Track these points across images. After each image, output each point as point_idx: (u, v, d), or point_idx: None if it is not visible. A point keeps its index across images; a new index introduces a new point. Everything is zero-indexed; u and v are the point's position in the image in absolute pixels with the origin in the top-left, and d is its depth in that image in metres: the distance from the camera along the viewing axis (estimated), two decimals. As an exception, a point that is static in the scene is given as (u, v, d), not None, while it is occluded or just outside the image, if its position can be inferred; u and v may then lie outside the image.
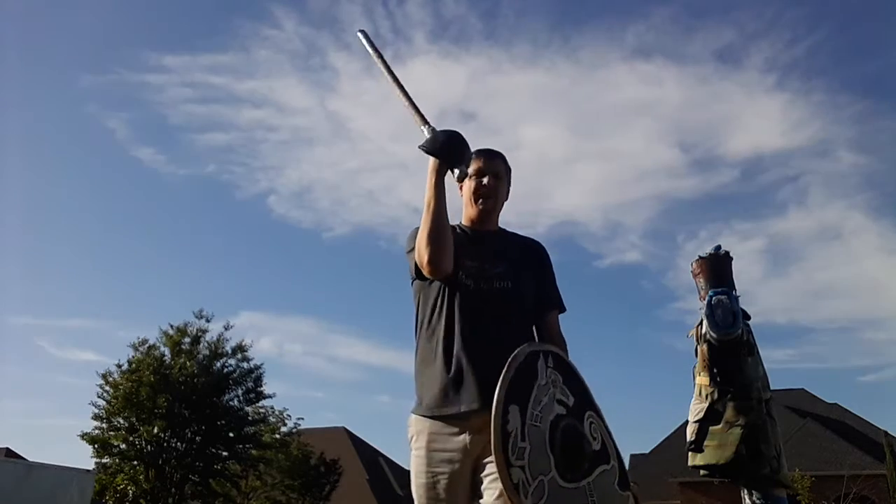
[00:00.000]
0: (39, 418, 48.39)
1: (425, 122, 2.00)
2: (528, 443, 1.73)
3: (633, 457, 31.43)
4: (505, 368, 1.79)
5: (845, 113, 47.40)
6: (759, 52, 45.14)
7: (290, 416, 24.62)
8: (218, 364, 21.36)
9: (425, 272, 1.95)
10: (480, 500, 1.86)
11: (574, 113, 49.90)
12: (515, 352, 1.83)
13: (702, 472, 3.74)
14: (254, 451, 22.36)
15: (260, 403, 22.34)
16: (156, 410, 19.50)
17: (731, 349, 3.67)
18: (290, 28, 48.19)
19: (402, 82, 2.10)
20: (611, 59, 46.27)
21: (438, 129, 1.95)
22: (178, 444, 20.39)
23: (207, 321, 21.48)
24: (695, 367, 3.84)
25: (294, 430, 25.22)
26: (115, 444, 19.87)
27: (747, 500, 3.62)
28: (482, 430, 1.89)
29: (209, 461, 20.92)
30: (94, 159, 49.82)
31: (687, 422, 3.81)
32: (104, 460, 20.17)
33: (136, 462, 20.01)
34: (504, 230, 2.19)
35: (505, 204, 2.19)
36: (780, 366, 41.69)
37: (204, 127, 49.55)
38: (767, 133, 45.10)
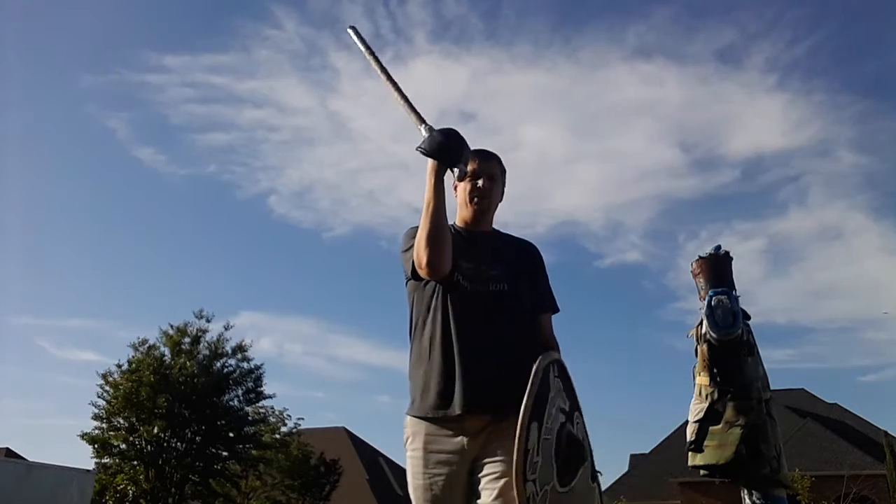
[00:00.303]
0: (39, 418, 48.40)
1: (422, 121, 1.96)
2: (541, 456, 1.78)
3: (632, 457, 31.44)
4: (529, 386, 1.81)
5: (846, 113, 47.44)
6: (759, 53, 45.15)
7: (290, 416, 24.68)
8: (218, 364, 21.37)
9: (422, 273, 1.94)
10: (478, 501, 1.86)
11: (575, 113, 49.93)
12: (535, 367, 1.85)
13: (702, 472, 3.74)
14: (254, 451, 22.37)
15: (260, 403, 22.37)
16: (156, 410, 19.51)
17: (731, 349, 3.67)
18: (290, 28, 48.19)
19: (398, 81, 2.06)
20: (611, 60, 46.28)
21: (437, 128, 1.93)
22: (178, 444, 20.40)
23: (207, 321, 21.52)
24: (695, 367, 3.85)
25: (294, 430, 25.23)
26: (115, 444, 19.88)
27: (747, 500, 3.62)
28: (479, 432, 1.92)
29: (209, 461, 20.93)
30: (95, 159, 49.84)
31: (687, 422, 3.81)
32: (104, 460, 20.19)
33: (136, 462, 20.02)
34: (498, 231, 2.19)
35: (504, 204, 2.20)
36: (780, 366, 41.74)
37: (204, 127, 49.58)
38: (768, 133, 45.13)
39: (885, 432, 21.88)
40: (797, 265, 47.27)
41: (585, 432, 1.96)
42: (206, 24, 54.79)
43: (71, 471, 17.33)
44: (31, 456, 29.74)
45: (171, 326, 21.26)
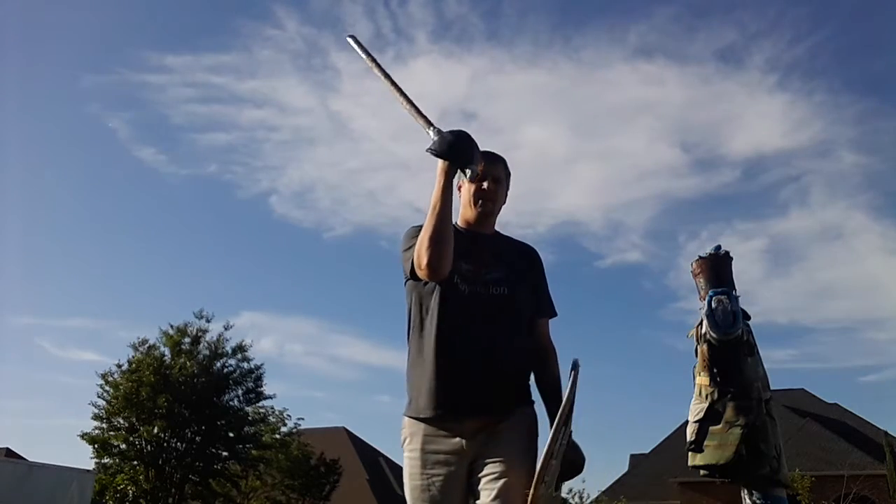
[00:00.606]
0: (39, 418, 48.36)
1: (430, 124, 1.95)
2: (556, 460, 1.84)
3: (632, 457, 31.45)
4: (567, 392, 1.87)
5: (847, 113, 47.41)
6: (760, 52, 45.10)
7: (290, 416, 24.68)
8: (218, 364, 21.38)
9: (421, 274, 1.93)
10: (477, 502, 1.87)
11: (575, 113, 49.87)
12: (573, 376, 1.90)
13: (702, 472, 3.74)
14: (254, 451, 22.38)
15: (260, 404, 22.38)
16: (156, 410, 19.52)
17: (731, 349, 3.68)
18: (291, 28, 48.14)
19: (401, 86, 2.05)
20: (612, 59, 46.22)
21: (444, 129, 1.92)
22: (178, 444, 20.42)
23: (207, 321, 21.55)
24: (695, 367, 3.85)
25: (294, 430, 25.24)
26: (115, 444, 19.90)
27: (747, 500, 3.63)
28: (477, 433, 1.93)
29: (209, 461, 20.94)
30: (95, 159, 49.77)
31: (687, 422, 3.81)
32: (104, 460, 20.21)
33: (136, 462, 20.03)
34: (500, 234, 2.19)
35: (505, 204, 2.19)
36: (781, 366, 41.66)
37: (205, 127, 49.58)
38: (769, 133, 45.08)
39: (885, 432, 21.89)
40: (798, 265, 47.27)
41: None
42: (208, 23, 54.77)
43: (71, 471, 17.34)
44: (31, 456, 29.73)
45: (172, 326, 21.31)
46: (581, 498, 27.64)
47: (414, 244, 1.95)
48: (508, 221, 2.21)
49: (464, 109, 43.55)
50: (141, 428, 19.61)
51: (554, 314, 2.17)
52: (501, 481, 1.83)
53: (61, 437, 52.80)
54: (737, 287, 3.87)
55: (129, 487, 19.85)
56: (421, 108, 1.99)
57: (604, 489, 27.33)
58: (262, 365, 22.15)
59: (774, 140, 44.88)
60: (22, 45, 41.67)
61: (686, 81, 45.94)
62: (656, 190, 48.71)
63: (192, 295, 57.47)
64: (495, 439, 1.90)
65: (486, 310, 1.98)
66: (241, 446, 21.62)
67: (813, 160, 45.18)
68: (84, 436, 19.68)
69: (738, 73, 45.11)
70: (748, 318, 3.81)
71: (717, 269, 3.90)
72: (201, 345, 21.32)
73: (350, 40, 2.21)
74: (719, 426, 3.60)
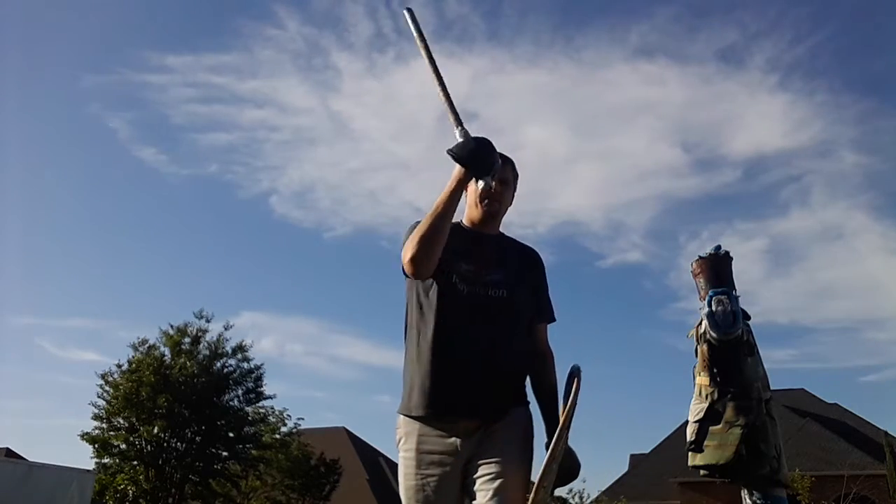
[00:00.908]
0: (39, 418, 48.39)
1: (459, 122, 1.90)
2: (557, 464, 1.85)
3: (632, 457, 31.46)
4: (572, 397, 1.88)
5: (848, 113, 47.38)
6: (761, 52, 45.09)
7: (290, 416, 24.67)
8: (218, 364, 21.38)
9: (405, 267, 1.93)
10: (473, 502, 1.87)
11: (576, 113, 49.86)
12: (576, 381, 1.91)
13: (702, 472, 3.75)
14: (254, 451, 22.38)
15: (260, 404, 22.38)
16: (156, 410, 19.52)
17: (731, 349, 3.68)
18: (292, 28, 48.12)
19: (443, 75, 1.98)
20: (613, 59, 46.22)
21: (470, 133, 1.88)
22: (178, 444, 20.42)
23: (207, 321, 21.55)
24: (695, 367, 3.85)
25: (294, 430, 25.24)
26: (116, 444, 19.89)
27: (747, 500, 3.63)
28: (472, 433, 1.93)
29: (209, 461, 20.94)
30: (96, 159, 49.77)
31: (687, 422, 3.81)
32: (104, 460, 20.21)
33: (136, 462, 20.04)
34: (503, 235, 2.18)
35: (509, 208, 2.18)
36: (781, 366, 41.66)
37: (206, 127, 49.54)
38: (770, 133, 45.06)
39: (885, 432, 21.88)
40: (798, 265, 47.28)
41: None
42: (209, 23, 54.78)
43: (71, 471, 17.34)
44: (31, 456, 29.75)
45: (171, 326, 21.31)
46: (581, 498, 27.71)
47: None
48: (510, 221, 2.20)
49: (465, 109, 43.05)
50: (141, 428, 19.60)
51: (552, 319, 2.16)
52: (498, 482, 1.82)
53: (61, 437, 52.82)
54: (737, 287, 3.87)
55: (129, 487, 19.85)
56: (455, 105, 1.95)
57: (604, 489, 27.36)
58: (262, 365, 22.19)
59: (775, 140, 44.91)
60: (22, 45, 41.69)
61: (687, 81, 45.98)
62: (657, 190, 48.74)
63: (193, 295, 57.47)
64: (491, 440, 1.90)
65: (484, 311, 1.98)
66: (241, 446, 21.62)
67: (814, 160, 45.20)
68: (84, 436, 19.68)
69: (738, 73, 45.14)
70: (748, 318, 3.81)
71: (717, 269, 3.90)
72: (201, 345, 21.33)
73: (406, 14, 2.14)
74: (719, 426, 3.60)
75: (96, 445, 19.72)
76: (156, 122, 46.90)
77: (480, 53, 48.70)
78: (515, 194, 2.20)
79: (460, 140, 1.87)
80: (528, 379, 2.08)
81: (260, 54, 46.34)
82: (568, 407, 1.86)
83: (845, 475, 19.10)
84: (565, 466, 1.88)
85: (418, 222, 1.96)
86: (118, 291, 47.47)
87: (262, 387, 21.95)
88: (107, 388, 20.13)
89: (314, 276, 56.53)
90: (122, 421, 20.04)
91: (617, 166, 50.47)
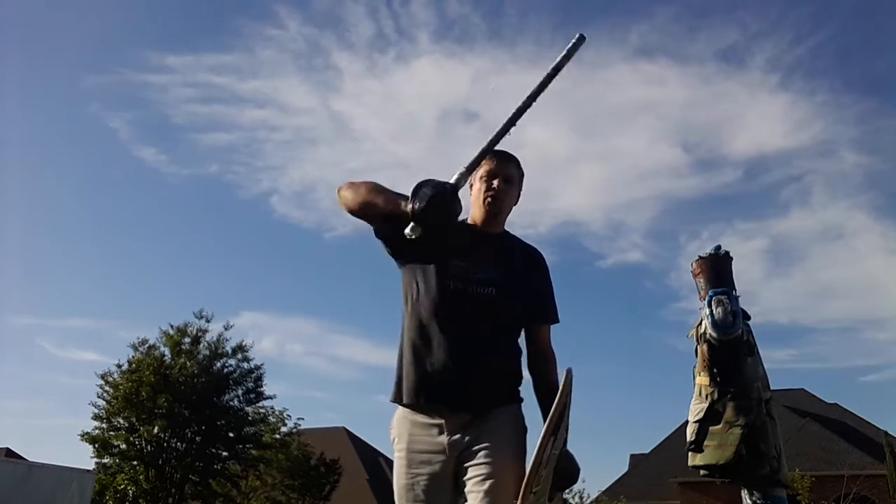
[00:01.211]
0: (39, 418, 48.39)
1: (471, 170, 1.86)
2: (547, 469, 1.81)
3: (632, 457, 31.45)
4: (556, 400, 1.83)
5: (848, 113, 47.41)
6: (762, 52, 45.10)
7: (290, 416, 24.66)
8: (218, 364, 21.38)
9: (344, 200, 1.99)
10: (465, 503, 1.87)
11: (577, 113, 49.79)
12: (563, 383, 1.87)
13: (702, 472, 3.75)
14: (254, 451, 22.37)
15: (260, 404, 22.38)
16: (156, 410, 19.52)
17: (731, 349, 3.68)
18: (293, 28, 48.13)
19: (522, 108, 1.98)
20: (614, 59, 46.15)
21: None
22: (178, 444, 20.42)
23: (207, 321, 21.54)
24: (695, 367, 3.85)
25: (294, 430, 25.23)
26: (116, 444, 19.89)
27: (747, 500, 3.63)
28: (459, 431, 1.92)
29: (209, 461, 20.94)
30: (96, 159, 49.77)
31: (687, 422, 3.81)
32: (104, 460, 20.20)
33: (136, 462, 20.04)
34: (508, 235, 2.16)
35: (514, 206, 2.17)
36: (781, 366, 41.69)
37: (207, 127, 49.56)
38: (770, 133, 45.06)
39: (885, 432, 21.89)
40: (799, 265, 47.29)
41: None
42: (209, 23, 54.81)
43: (71, 471, 17.34)
44: (31, 456, 29.74)
45: (171, 326, 21.30)
46: (581, 498, 27.71)
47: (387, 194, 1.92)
48: (511, 221, 2.18)
49: (465, 109, 43.59)
50: (141, 428, 19.60)
51: (555, 321, 2.14)
52: (488, 483, 1.82)
53: (61, 437, 52.87)
54: (737, 287, 3.88)
55: (129, 487, 19.85)
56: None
57: (604, 489, 27.37)
58: (262, 365, 22.18)
59: (776, 140, 44.92)
60: (23, 44, 41.70)
61: (687, 81, 45.98)
62: (657, 190, 48.73)
63: (193, 295, 57.50)
64: (480, 440, 1.89)
65: (468, 308, 1.97)
66: (241, 446, 21.62)
67: (814, 160, 45.19)
68: (84, 436, 19.68)
69: (739, 73, 45.15)
70: (748, 318, 3.82)
71: (717, 269, 3.90)
72: (201, 345, 21.32)
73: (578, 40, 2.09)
74: (719, 426, 3.60)
75: (96, 445, 19.72)
76: (156, 122, 46.93)
77: (481, 53, 48.76)
78: (521, 193, 2.18)
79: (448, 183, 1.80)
80: (519, 378, 2.06)
81: (260, 54, 46.38)
82: (552, 411, 1.82)
83: (845, 475, 19.10)
84: (561, 468, 1.85)
85: (385, 188, 1.94)
86: (118, 291, 47.51)
87: (262, 387, 21.97)
88: (107, 388, 20.13)
89: (315, 276, 56.58)
90: (122, 421, 20.04)
91: (617, 166, 50.51)
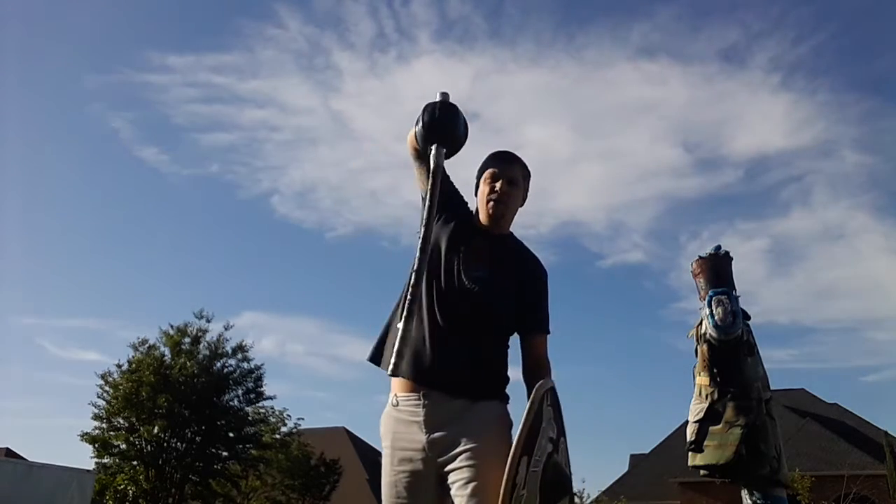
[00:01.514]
0: (39, 418, 48.46)
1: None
2: (527, 490, 1.75)
3: (632, 457, 31.46)
4: (523, 419, 1.79)
5: (850, 113, 47.40)
6: (763, 52, 45.15)
7: (290, 416, 24.67)
8: (218, 364, 21.38)
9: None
10: None
11: (578, 112, 49.87)
12: (531, 399, 1.83)
13: (702, 472, 3.75)
14: (254, 452, 22.38)
15: (260, 404, 22.38)
16: (156, 410, 19.52)
17: (731, 349, 3.68)
18: (294, 28, 48.20)
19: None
20: (615, 59, 46.26)
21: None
22: (178, 444, 20.42)
23: (208, 321, 21.55)
24: (695, 367, 3.85)
25: (294, 430, 25.24)
26: (116, 444, 19.89)
27: (747, 500, 3.63)
28: (438, 429, 1.91)
29: (209, 461, 20.95)
30: (98, 159, 49.90)
31: (687, 422, 3.81)
32: (104, 460, 20.21)
33: (136, 462, 20.05)
34: (511, 237, 2.16)
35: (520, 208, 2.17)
36: (782, 366, 41.69)
37: (207, 127, 49.61)
38: (771, 133, 45.11)
39: (885, 432, 21.90)
40: (800, 265, 47.34)
41: (568, 457, 1.93)
42: (210, 23, 54.83)
43: (71, 471, 17.36)
44: (31, 456, 29.76)
45: (172, 326, 21.30)
46: (581, 498, 27.70)
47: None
48: (513, 222, 2.19)
49: (466, 109, 43.16)
50: (141, 428, 19.60)
51: (547, 331, 2.11)
52: (471, 485, 1.80)
53: (61, 437, 52.93)
54: (737, 287, 3.87)
55: (129, 487, 19.86)
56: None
57: (604, 489, 27.38)
58: (262, 365, 22.19)
59: (777, 140, 44.98)
60: (25, 45, 41.69)
61: (689, 81, 45.99)
62: (658, 190, 48.75)
63: (194, 295, 57.67)
64: (462, 441, 1.87)
65: (453, 307, 1.98)
66: (241, 446, 21.62)
67: (815, 160, 45.21)
68: (84, 436, 19.68)
69: (740, 73, 45.19)
70: (748, 318, 3.81)
71: (717, 269, 3.90)
72: (201, 345, 21.32)
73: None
74: (719, 426, 3.60)
75: (96, 445, 19.72)
76: (157, 122, 47.04)
77: (482, 53, 48.78)
78: (528, 193, 2.18)
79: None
80: (503, 378, 2.05)
81: (261, 54, 46.43)
82: (520, 431, 1.77)
83: (845, 475, 19.10)
84: (548, 483, 1.80)
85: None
86: (119, 291, 47.59)
87: (262, 387, 21.98)
88: (107, 388, 20.14)
89: (315, 276, 56.63)
90: (122, 421, 20.04)
91: (618, 166, 50.52)
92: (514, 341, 2.11)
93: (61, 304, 47.28)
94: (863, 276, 45.85)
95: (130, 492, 19.87)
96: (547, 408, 1.87)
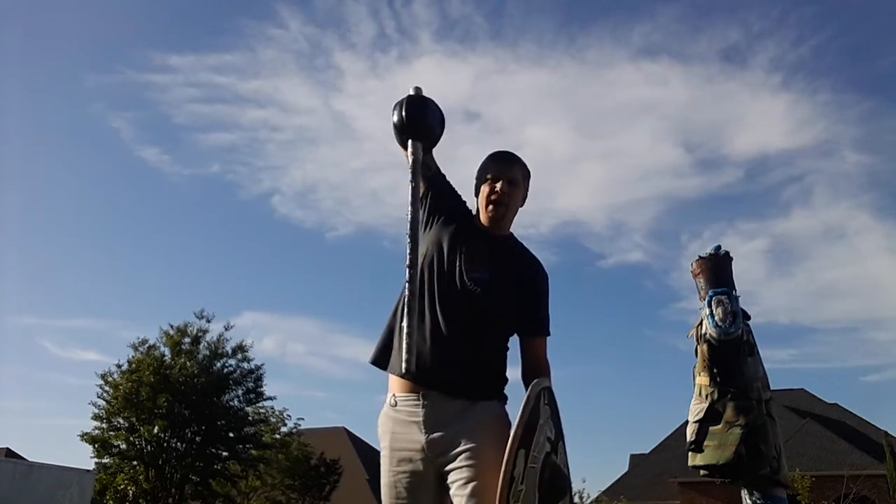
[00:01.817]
0: (39, 418, 48.48)
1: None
2: (525, 485, 1.75)
3: (633, 457, 31.47)
4: (520, 412, 1.79)
5: (850, 112, 47.44)
6: (764, 52, 45.18)
7: (290, 416, 24.66)
8: (218, 364, 21.37)
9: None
10: None
11: (579, 112, 49.93)
12: (527, 394, 1.84)
13: (702, 472, 3.74)
14: (254, 451, 22.36)
15: (260, 404, 22.37)
16: (156, 410, 19.50)
17: (731, 349, 3.68)
18: (295, 28, 48.25)
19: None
20: (616, 59, 46.31)
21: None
22: (178, 444, 20.41)
23: (208, 321, 21.51)
24: (695, 367, 3.85)
25: (294, 430, 25.23)
26: (116, 444, 19.88)
27: (747, 500, 3.63)
28: (437, 429, 1.90)
29: (209, 461, 20.93)
30: (99, 159, 49.97)
31: (687, 422, 3.81)
32: (104, 460, 20.19)
33: (136, 462, 20.03)
34: (512, 238, 2.16)
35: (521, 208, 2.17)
36: (782, 366, 41.69)
37: (208, 127, 49.69)
38: (772, 133, 45.21)
39: (886, 432, 21.91)
40: (800, 265, 47.38)
41: (567, 462, 1.94)
42: (211, 23, 54.84)
43: (71, 471, 17.38)
44: (31, 456, 29.78)
45: (172, 326, 21.27)
46: (581, 498, 27.70)
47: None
48: (514, 221, 2.18)
49: (467, 109, 43.61)
50: (141, 428, 19.60)
51: (547, 333, 2.12)
52: (471, 485, 1.80)
53: (61, 437, 52.92)
54: (737, 287, 3.87)
55: (129, 487, 19.85)
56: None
57: (604, 489, 27.40)
58: (262, 365, 22.14)
59: (778, 140, 45.04)
60: (25, 44, 41.70)
61: (690, 81, 46.00)
62: (659, 190, 48.77)
63: (194, 295, 57.67)
64: (461, 442, 1.87)
65: (455, 302, 1.98)
66: (241, 446, 21.60)
67: (816, 160, 45.24)
68: (84, 436, 19.66)
69: (741, 73, 45.23)
70: (748, 318, 3.81)
71: (717, 269, 3.90)
72: (201, 345, 21.31)
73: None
74: (719, 426, 3.60)
75: (96, 445, 19.70)
76: (158, 121, 47.07)
77: (483, 53, 48.80)
78: (528, 193, 2.18)
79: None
80: (502, 378, 2.05)
81: (262, 54, 46.46)
82: (516, 425, 1.77)
83: (845, 475, 19.12)
84: (546, 482, 1.81)
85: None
86: (119, 291, 47.65)
87: (262, 387, 21.94)
88: (107, 388, 20.11)
89: (316, 276, 56.67)
90: (122, 421, 20.01)
91: (619, 166, 50.55)
92: (514, 342, 2.11)
93: (61, 304, 47.33)
94: (863, 277, 45.91)
95: (130, 492, 19.86)
96: (544, 406, 1.88)
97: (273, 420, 23.91)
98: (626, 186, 49.56)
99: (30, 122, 45.02)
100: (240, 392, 21.65)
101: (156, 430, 19.80)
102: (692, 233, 44.74)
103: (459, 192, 2.19)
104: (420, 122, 1.91)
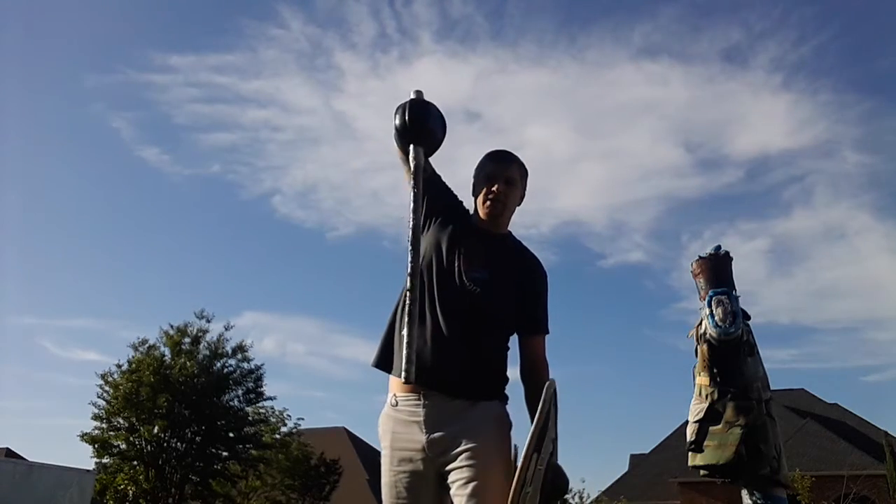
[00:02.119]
0: (39, 418, 48.45)
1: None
2: (532, 487, 1.76)
3: (633, 457, 31.47)
4: (537, 416, 1.80)
5: (851, 113, 47.43)
6: (765, 52, 45.14)
7: (290, 416, 24.65)
8: (218, 364, 21.37)
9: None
10: None
11: (579, 112, 49.91)
12: (543, 397, 1.83)
13: (702, 472, 3.75)
14: (254, 452, 22.36)
15: (260, 404, 22.37)
16: (156, 410, 19.50)
17: (731, 349, 3.68)
18: (296, 28, 48.24)
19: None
20: (617, 59, 46.28)
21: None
22: (178, 444, 20.41)
23: (208, 321, 21.51)
24: (695, 367, 3.85)
25: (294, 430, 25.23)
26: (116, 444, 19.89)
27: (747, 500, 3.63)
28: (438, 429, 1.90)
29: (209, 461, 20.94)
30: (99, 159, 49.93)
31: (687, 422, 3.81)
32: (104, 460, 20.20)
33: (136, 462, 20.03)
34: (510, 237, 2.16)
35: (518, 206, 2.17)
36: (783, 366, 41.67)
37: (209, 127, 49.67)
38: (773, 133, 45.21)
39: (886, 432, 21.91)
40: (801, 265, 47.38)
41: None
42: (212, 23, 54.82)
43: (71, 471, 17.37)
44: (31, 456, 29.77)
45: (172, 326, 21.27)
46: (581, 498, 27.69)
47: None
48: (513, 221, 2.17)
49: (468, 109, 43.62)
50: (141, 428, 19.60)
51: (546, 331, 2.11)
52: (472, 485, 1.80)
53: (61, 437, 52.91)
54: (737, 287, 3.87)
55: (129, 487, 19.85)
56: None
57: (604, 489, 27.40)
58: (262, 365, 22.13)
59: (778, 140, 45.04)
60: (25, 44, 41.71)
61: (690, 81, 45.98)
62: (660, 190, 48.76)
63: (195, 295, 57.68)
64: (461, 441, 1.87)
65: (455, 302, 1.97)
66: (241, 446, 21.60)
67: (817, 160, 45.22)
68: (84, 436, 19.66)
69: (742, 73, 45.20)
70: (748, 318, 3.81)
71: (717, 269, 3.90)
72: (201, 345, 21.31)
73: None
74: (719, 426, 3.60)
75: (96, 445, 19.70)
76: (159, 121, 47.05)
77: (484, 53, 48.78)
78: (526, 192, 2.18)
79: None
80: (503, 378, 2.05)
81: (263, 54, 46.43)
82: (532, 428, 1.78)
83: (845, 475, 19.12)
84: (549, 483, 1.81)
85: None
86: (120, 291, 47.63)
87: (262, 387, 21.94)
88: (107, 388, 20.11)
89: (316, 276, 56.62)
90: (122, 421, 20.01)
91: (620, 166, 50.53)
92: (514, 342, 2.11)
93: (61, 304, 47.30)
94: (863, 276, 45.90)
95: (130, 492, 19.87)
96: (553, 408, 1.88)
97: (273, 420, 23.92)
98: (626, 186, 49.60)
99: (30, 122, 45.06)
100: (240, 392, 21.65)
101: (156, 430, 19.80)
102: (693, 233, 44.74)
103: (457, 193, 2.19)
104: (422, 126, 1.90)
